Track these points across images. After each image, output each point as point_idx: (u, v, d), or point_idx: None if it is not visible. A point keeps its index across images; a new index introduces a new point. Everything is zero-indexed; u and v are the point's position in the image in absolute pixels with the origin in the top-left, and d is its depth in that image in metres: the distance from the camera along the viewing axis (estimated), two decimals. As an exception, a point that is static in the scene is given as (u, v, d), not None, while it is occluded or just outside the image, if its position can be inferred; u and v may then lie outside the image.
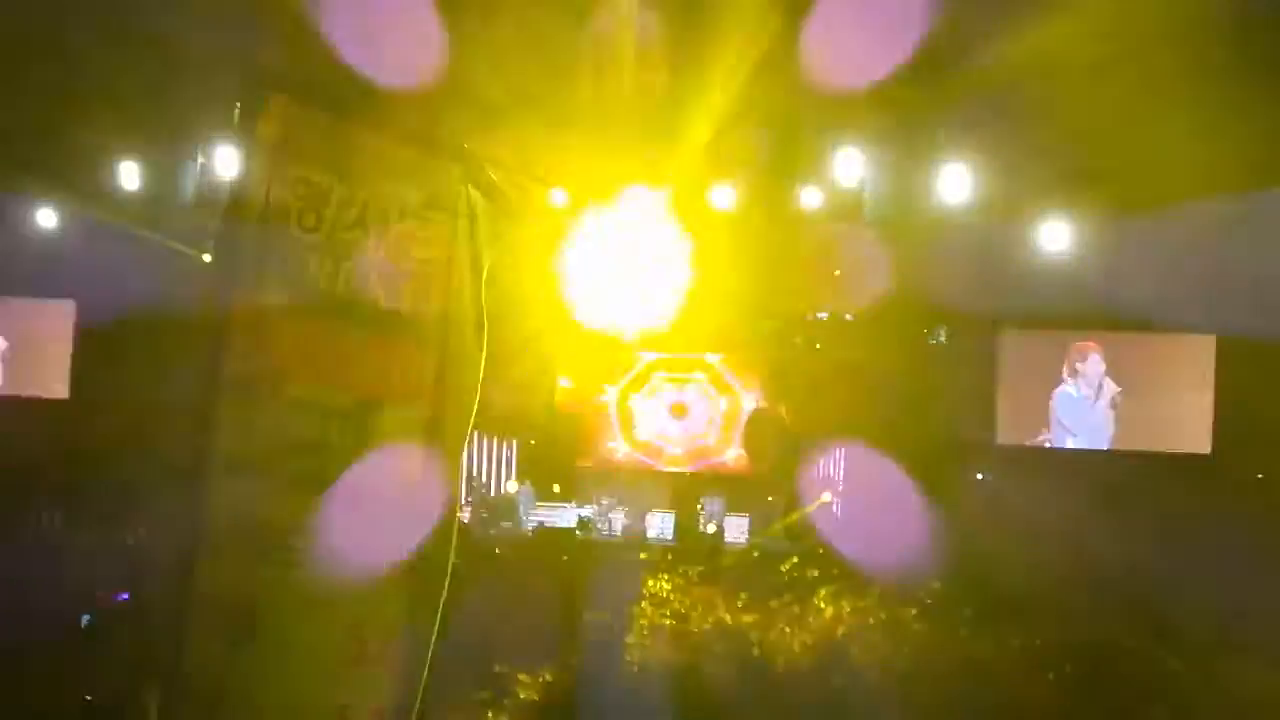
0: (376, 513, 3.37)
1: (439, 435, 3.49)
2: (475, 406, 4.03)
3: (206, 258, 20.01)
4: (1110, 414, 23.89)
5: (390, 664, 3.35)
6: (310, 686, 3.26)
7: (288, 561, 3.25)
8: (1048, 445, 24.25)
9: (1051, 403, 24.13)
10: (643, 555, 19.34)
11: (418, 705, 3.49)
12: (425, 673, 3.45)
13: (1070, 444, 24.05)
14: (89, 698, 7.57)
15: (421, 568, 3.43)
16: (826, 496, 25.35)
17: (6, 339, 28.46)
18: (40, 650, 8.34)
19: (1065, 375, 24.15)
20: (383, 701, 3.35)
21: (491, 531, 25.34)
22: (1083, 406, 24.03)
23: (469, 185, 3.54)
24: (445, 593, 3.52)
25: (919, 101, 22.11)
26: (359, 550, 3.34)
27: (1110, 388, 23.92)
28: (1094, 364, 23.96)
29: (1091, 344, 23.98)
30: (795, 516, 25.01)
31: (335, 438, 3.36)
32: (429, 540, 3.47)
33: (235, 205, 3.36)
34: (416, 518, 3.43)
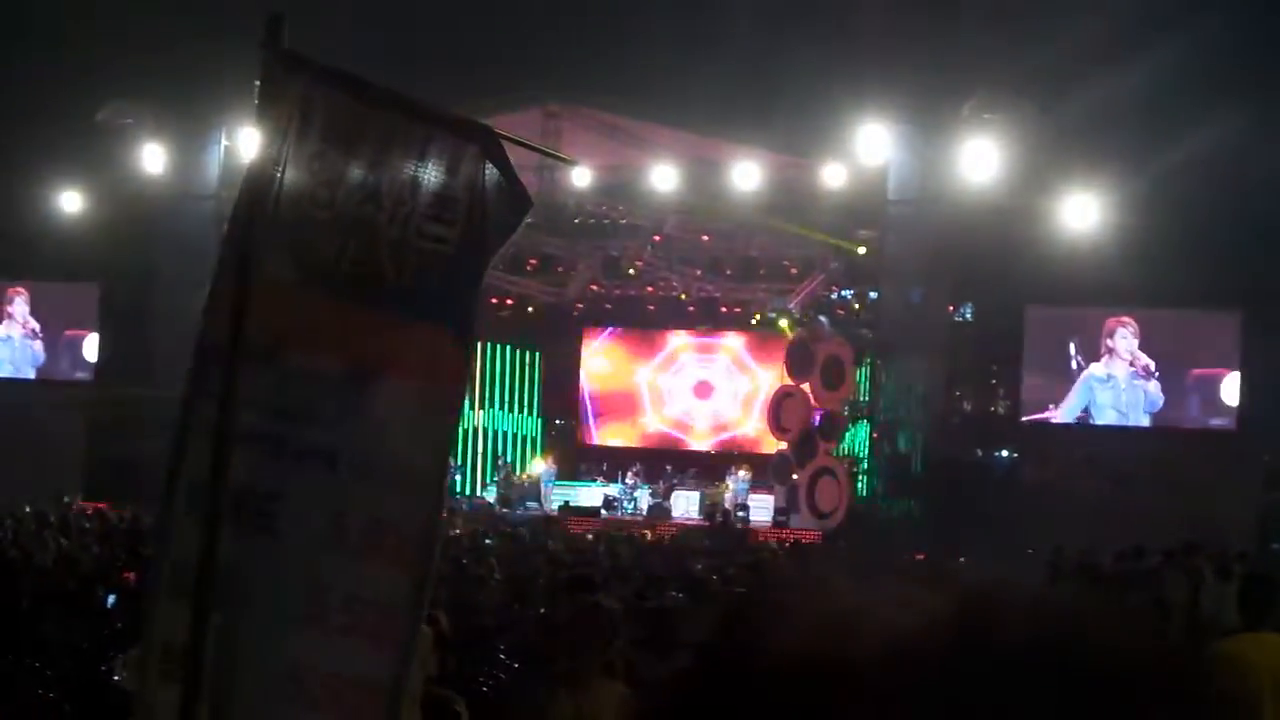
0: (363, 481, 3.35)
1: (435, 408, 3.44)
2: (467, 385, 4.02)
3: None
4: (1141, 389, 23.73)
5: (374, 636, 3.31)
6: (269, 648, 3.27)
7: (261, 526, 3.26)
8: (1074, 422, 24.12)
9: (1084, 380, 23.97)
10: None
11: (408, 683, 3.45)
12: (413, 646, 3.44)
13: (1102, 420, 23.89)
14: (117, 677, 7.58)
15: (412, 542, 3.37)
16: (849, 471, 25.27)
17: (37, 321, 28.56)
18: (67, 630, 8.39)
19: (1078, 353, 24.03)
20: (357, 672, 3.30)
21: (518, 512, 25.30)
22: (1113, 383, 23.87)
23: (486, 164, 3.47)
24: (433, 566, 3.48)
25: (945, 76, 21.96)
26: (340, 518, 3.33)
27: (1141, 364, 23.74)
28: (1123, 341, 23.77)
29: (1120, 321, 23.78)
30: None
31: (327, 405, 3.35)
32: (421, 512, 3.41)
33: (251, 185, 3.35)
34: (404, 489, 3.39)
